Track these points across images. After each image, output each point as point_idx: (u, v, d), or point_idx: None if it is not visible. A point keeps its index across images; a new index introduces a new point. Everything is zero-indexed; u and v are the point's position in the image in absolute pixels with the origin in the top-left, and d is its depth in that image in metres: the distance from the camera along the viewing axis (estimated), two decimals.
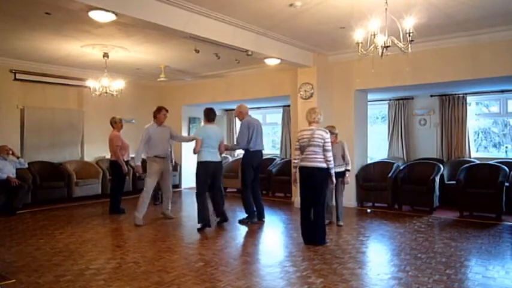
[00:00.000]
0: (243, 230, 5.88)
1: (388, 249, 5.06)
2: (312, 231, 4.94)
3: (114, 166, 7.07)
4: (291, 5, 4.95)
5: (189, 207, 7.75)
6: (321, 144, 4.81)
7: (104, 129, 7.56)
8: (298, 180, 5.11)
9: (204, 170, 5.78)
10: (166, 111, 6.47)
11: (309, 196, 4.93)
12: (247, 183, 6.12)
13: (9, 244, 5.08)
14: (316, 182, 4.85)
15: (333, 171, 4.91)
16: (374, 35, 3.95)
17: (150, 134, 6.20)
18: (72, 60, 8.03)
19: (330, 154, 4.84)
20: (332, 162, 4.88)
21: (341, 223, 5.98)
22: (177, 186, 9.36)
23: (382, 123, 9.99)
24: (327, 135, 4.87)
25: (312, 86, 7.50)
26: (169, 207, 6.65)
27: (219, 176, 6.08)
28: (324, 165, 4.83)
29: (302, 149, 4.89)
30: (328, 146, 4.84)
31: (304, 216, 4.97)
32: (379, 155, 9.37)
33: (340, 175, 5.86)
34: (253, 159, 6.16)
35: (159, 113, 6.34)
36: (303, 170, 4.91)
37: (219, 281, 3.71)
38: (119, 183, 7.14)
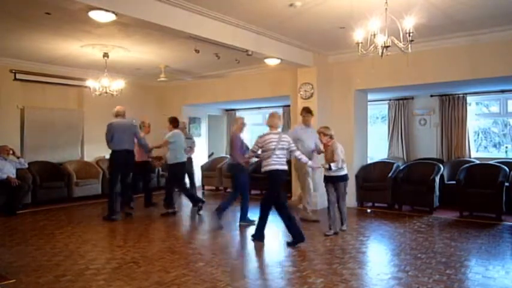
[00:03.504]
0: (243, 230, 5.88)
1: (388, 249, 5.07)
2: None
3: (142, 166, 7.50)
4: (291, 5, 4.95)
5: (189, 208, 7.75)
6: (286, 147, 5.14)
7: (104, 129, 7.52)
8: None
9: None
10: (307, 112, 6.45)
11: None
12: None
13: (9, 244, 5.09)
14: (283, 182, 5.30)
15: (305, 159, 5.38)
16: (374, 35, 3.95)
17: (297, 134, 6.23)
18: (72, 60, 8.02)
19: (298, 153, 5.33)
20: (302, 156, 5.35)
21: (344, 227, 5.74)
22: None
23: (382, 123, 9.99)
24: (289, 138, 5.27)
25: (312, 86, 7.50)
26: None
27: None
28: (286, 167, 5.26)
29: (268, 153, 5.04)
30: (294, 147, 5.27)
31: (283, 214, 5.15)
32: (379, 155, 9.36)
33: (340, 179, 5.52)
34: None
35: (304, 114, 6.45)
36: (276, 172, 5.05)
37: (219, 281, 3.71)
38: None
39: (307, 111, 6.48)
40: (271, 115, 5.32)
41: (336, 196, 5.56)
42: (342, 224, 5.76)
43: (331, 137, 5.50)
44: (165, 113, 10.17)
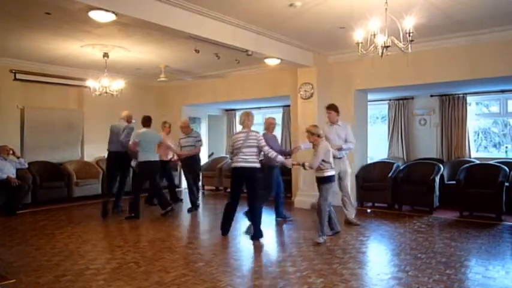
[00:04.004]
0: (243, 230, 5.87)
1: (388, 249, 5.07)
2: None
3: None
4: (291, 5, 4.95)
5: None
6: (255, 144, 5.20)
7: (104, 129, 7.55)
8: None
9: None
10: (329, 109, 6.17)
11: (239, 193, 5.42)
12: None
13: (9, 244, 5.09)
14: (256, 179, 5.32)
15: (274, 154, 5.36)
16: (374, 35, 3.95)
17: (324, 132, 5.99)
18: (72, 60, 8.02)
19: (266, 148, 5.29)
20: (271, 150, 5.33)
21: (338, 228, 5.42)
22: (177, 186, 9.35)
23: (382, 123, 9.99)
24: (259, 134, 5.34)
25: (312, 86, 7.50)
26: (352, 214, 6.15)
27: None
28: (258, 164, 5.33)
29: (236, 151, 5.20)
30: (263, 142, 5.28)
31: (231, 210, 5.42)
32: (379, 155, 9.36)
33: (323, 180, 5.11)
34: None
35: (326, 111, 6.23)
36: (238, 170, 5.22)
37: (219, 281, 3.71)
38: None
39: (328, 108, 6.23)
40: (241, 114, 5.45)
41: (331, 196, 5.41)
42: (332, 228, 5.33)
43: (319, 136, 5.15)
44: (165, 113, 10.20)
